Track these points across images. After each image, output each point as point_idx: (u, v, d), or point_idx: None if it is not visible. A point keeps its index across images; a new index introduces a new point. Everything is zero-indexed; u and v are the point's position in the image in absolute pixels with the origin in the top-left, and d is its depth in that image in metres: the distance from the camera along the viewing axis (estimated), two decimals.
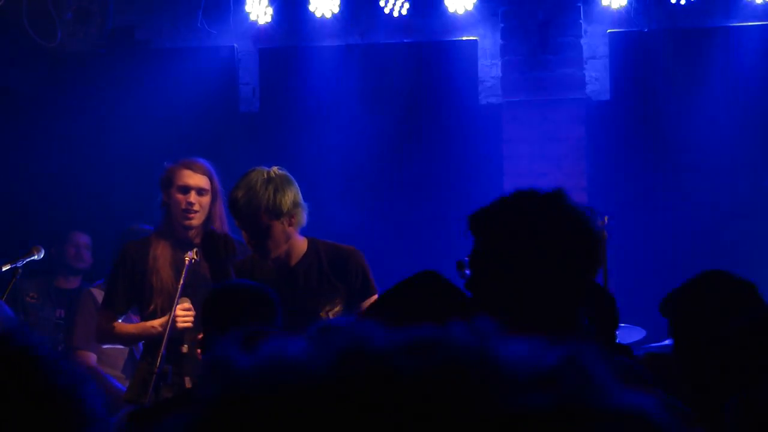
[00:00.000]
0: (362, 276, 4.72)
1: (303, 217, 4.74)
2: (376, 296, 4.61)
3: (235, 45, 8.16)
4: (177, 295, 4.91)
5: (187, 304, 4.99)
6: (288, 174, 4.77)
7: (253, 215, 4.64)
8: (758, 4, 7.68)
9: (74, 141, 7.87)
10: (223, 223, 5.23)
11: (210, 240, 4.66)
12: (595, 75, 7.95)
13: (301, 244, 4.78)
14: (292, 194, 4.69)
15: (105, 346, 6.05)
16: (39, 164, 7.85)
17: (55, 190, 7.80)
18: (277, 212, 4.63)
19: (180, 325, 4.95)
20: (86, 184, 7.75)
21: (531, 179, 7.86)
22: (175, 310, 4.90)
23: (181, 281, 4.91)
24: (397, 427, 0.59)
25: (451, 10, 7.86)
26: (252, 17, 7.91)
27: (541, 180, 7.84)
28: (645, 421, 0.62)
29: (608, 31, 7.94)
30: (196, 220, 5.22)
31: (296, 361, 0.65)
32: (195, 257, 5.10)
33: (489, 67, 8.03)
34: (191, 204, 5.21)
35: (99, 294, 6.21)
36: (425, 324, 0.66)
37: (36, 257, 6.01)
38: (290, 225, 4.68)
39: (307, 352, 0.66)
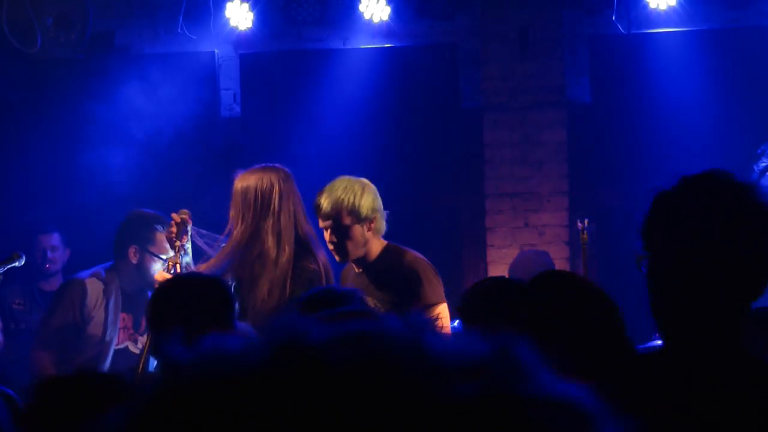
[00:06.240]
0: (416, 285, 4.92)
1: (382, 224, 5.04)
2: (439, 306, 4.88)
3: (216, 50, 8.16)
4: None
5: None
6: (370, 183, 5.07)
7: (335, 216, 4.93)
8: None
9: (54, 146, 7.85)
10: None
11: None
12: (576, 79, 7.98)
13: (377, 248, 5.05)
14: (372, 201, 4.99)
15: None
16: (17, 170, 7.83)
17: (33, 196, 7.78)
18: (357, 216, 4.93)
19: None
20: (66, 190, 7.73)
21: (512, 183, 7.94)
22: None
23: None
24: (327, 417, 0.60)
25: (431, 15, 7.88)
26: (233, 23, 7.90)
27: (522, 184, 7.92)
28: (573, 409, 0.63)
29: (589, 34, 7.98)
30: None
31: (233, 356, 0.66)
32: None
33: (470, 71, 8.06)
34: None
35: (92, 284, 5.91)
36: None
37: (17, 264, 5.99)
38: (369, 230, 4.98)
39: (244, 346, 0.67)
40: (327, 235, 4.99)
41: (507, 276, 6.95)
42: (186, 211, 5.19)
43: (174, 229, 5.13)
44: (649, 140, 7.77)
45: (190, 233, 5.18)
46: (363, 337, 0.65)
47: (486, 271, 7.86)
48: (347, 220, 4.93)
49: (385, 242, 5.09)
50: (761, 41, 7.80)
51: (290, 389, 0.62)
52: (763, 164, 7.71)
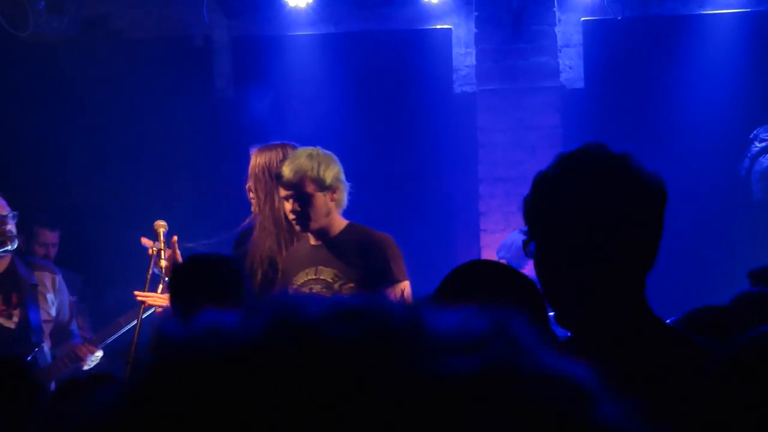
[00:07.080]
0: (385, 262, 4.86)
1: (344, 195, 4.97)
2: (403, 284, 4.84)
3: (210, 34, 8.14)
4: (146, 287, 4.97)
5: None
6: (333, 154, 4.99)
7: (298, 184, 4.84)
8: None
9: (47, 131, 7.83)
10: None
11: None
12: (569, 63, 7.98)
13: (340, 223, 4.99)
14: (335, 170, 4.92)
15: None
16: (10, 155, 7.81)
17: (26, 179, 7.76)
18: (320, 184, 4.85)
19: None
20: (59, 174, 7.72)
21: (506, 167, 7.93)
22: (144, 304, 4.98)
23: (149, 272, 4.96)
24: (324, 391, 0.60)
25: None
26: (226, 7, 7.89)
27: (515, 168, 7.91)
28: (573, 385, 0.63)
29: (582, 19, 7.97)
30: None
31: (229, 331, 0.66)
32: (161, 247, 5.11)
33: (463, 55, 8.05)
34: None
35: None
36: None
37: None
38: (332, 200, 4.91)
39: (241, 322, 0.67)
40: (289, 205, 4.89)
41: (497, 257, 6.96)
42: (162, 223, 5.22)
43: (153, 251, 5.14)
44: (642, 124, 7.77)
45: (175, 242, 5.18)
46: (360, 313, 0.64)
47: (479, 255, 7.86)
48: (310, 188, 4.85)
49: (347, 221, 5.02)
50: (756, 26, 7.80)
51: (287, 365, 0.61)
52: (756, 148, 7.72)
